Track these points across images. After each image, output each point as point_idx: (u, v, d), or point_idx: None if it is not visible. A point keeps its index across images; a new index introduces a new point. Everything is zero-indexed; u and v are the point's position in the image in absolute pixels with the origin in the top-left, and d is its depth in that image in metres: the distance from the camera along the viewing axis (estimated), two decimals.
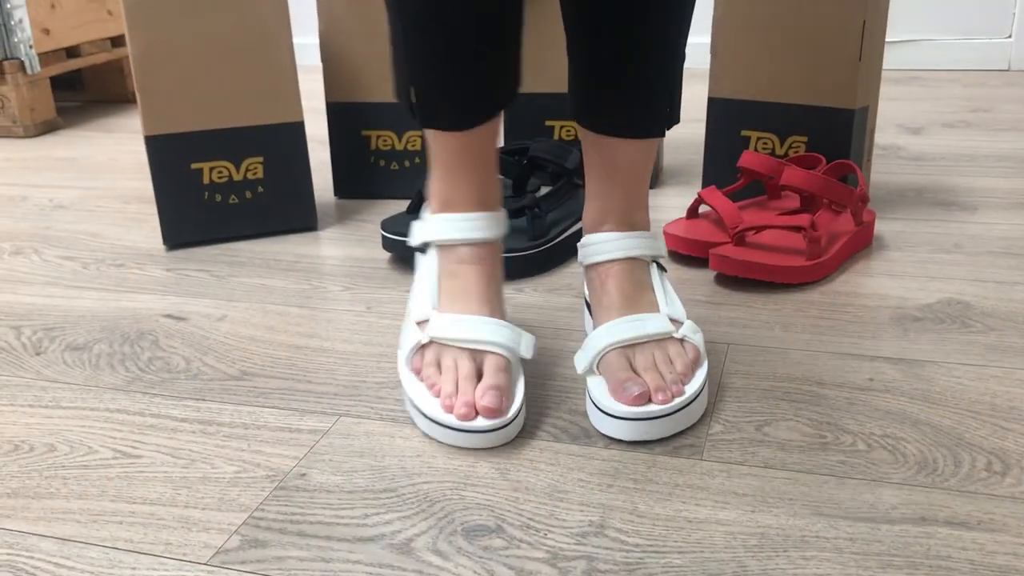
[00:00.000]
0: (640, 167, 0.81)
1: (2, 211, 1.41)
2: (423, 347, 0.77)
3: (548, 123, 1.30)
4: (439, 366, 0.77)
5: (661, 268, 0.83)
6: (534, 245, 1.03)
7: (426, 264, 0.82)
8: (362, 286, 1.06)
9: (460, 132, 0.77)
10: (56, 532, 0.66)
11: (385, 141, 1.31)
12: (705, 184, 1.23)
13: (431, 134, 0.79)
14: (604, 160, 0.81)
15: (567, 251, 1.09)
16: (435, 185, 0.82)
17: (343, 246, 1.19)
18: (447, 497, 0.68)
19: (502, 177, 1.12)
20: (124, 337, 0.96)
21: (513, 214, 1.05)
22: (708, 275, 1.03)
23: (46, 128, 1.90)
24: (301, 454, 0.74)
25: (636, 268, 0.81)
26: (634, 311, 0.78)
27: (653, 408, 0.71)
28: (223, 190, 1.18)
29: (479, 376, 0.75)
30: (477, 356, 0.76)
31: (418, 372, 0.77)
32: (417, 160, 1.31)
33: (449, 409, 0.73)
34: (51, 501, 0.70)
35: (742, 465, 0.70)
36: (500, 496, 0.67)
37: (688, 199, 1.27)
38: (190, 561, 0.62)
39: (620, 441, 0.73)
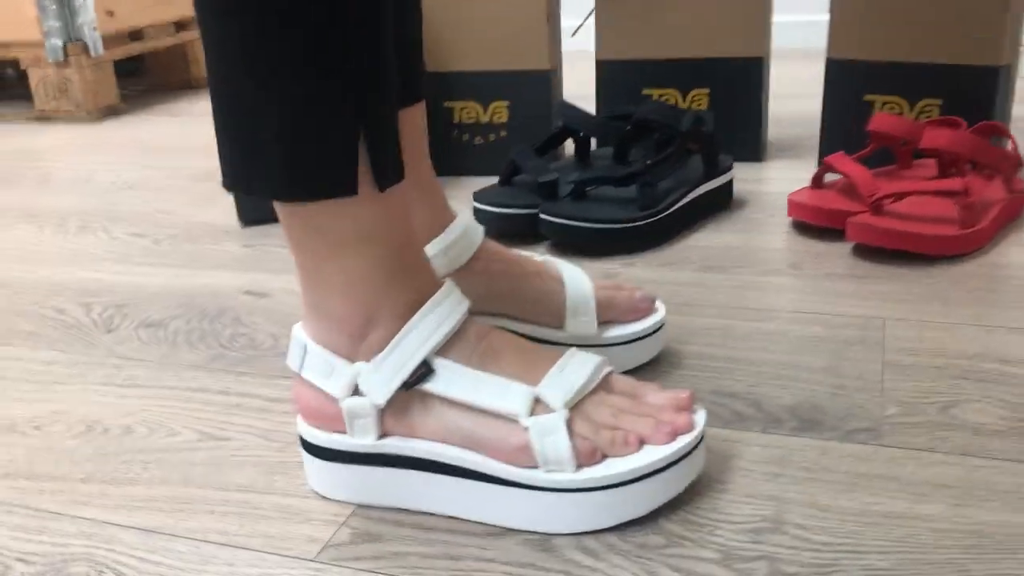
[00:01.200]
0: None
1: (67, 190, 1.34)
2: (570, 423, 0.54)
3: (646, 91, 1.21)
4: (593, 423, 0.55)
5: None
6: (645, 215, 0.93)
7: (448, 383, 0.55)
8: None
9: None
10: (138, 522, 0.58)
11: (469, 113, 1.22)
12: (822, 156, 1.12)
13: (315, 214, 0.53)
14: None
15: (682, 222, 0.99)
16: (340, 304, 0.55)
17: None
18: None
19: (596, 150, 1.02)
20: (203, 314, 0.88)
21: (620, 182, 0.95)
22: (843, 248, 0.92)
23: (109, 113, 1.84)
24: None
25: None
26: None
27: None
28: None
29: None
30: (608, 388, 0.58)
31: (591, 453, 0.53)
32: (503, 133, 1.22)
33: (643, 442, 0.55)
34: (131, 487, 0.61)
35: (933, 452, 0.59)
36: None
37: (799, 174, 1.16)
38: (295, 557, 0.53)
39: (777, 422, 0.63)
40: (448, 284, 0.57)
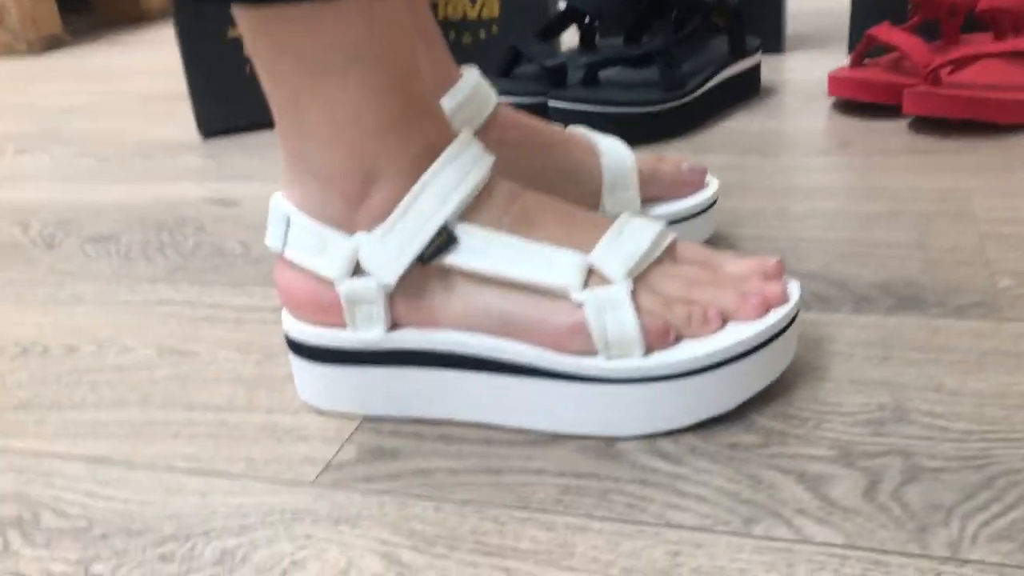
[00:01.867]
0: None
1: (3, 117, 1.19)
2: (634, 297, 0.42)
3: None
4: (663, 297, 0.43)
5: None
6: (670, 98, 0.81)
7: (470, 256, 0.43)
8: None
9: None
10: (85, 451, 0.45)
11: (455, 8, 1.08)
12: (853, 46, 1.00)
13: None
14: None
15: (709, 107, 0.86)
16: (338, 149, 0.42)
17: None
18: None
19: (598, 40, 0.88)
20: (160, 225, 0.75)
21: (638, 62, 0.83)
22: (898, 124, 0.80)
23: (51, 44, 1.67)
24: None
25: None
26: None
27: None
28: None
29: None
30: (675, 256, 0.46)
31: (663, 333, 0.41)
32: (494, 29, 1.09)
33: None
34: (75, 412, 0.49)
35: None
36: None
37: (826, 62, 1.04)
38: (287, 482, 0.41)
39: (872, 302, 0.51)
40: (466, 133, 0.45)
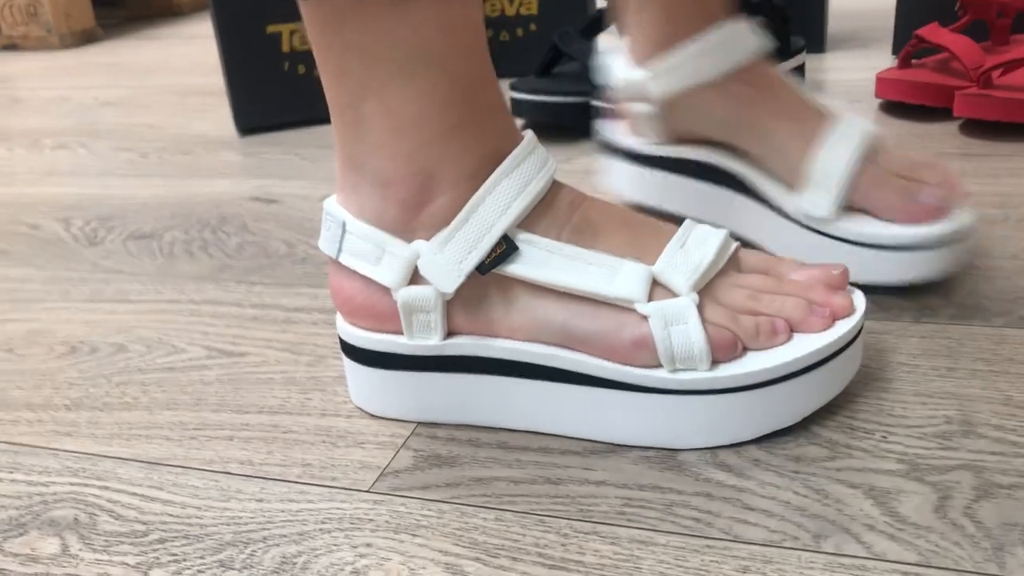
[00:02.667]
0: None
1: (40, 111, 1.20)
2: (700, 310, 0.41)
3: None
4: (729, 309, 0.43)
5: None
6: None
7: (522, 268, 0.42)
8: None
9: None
10: (139, 454, 0.45)
11: (494, 5, 1.08)
12: (897, 47, 0.99)
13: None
14: None
15: None
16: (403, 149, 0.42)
17: None
18: None
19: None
20: (203, 223, 0.75)
21: None
22: (948, 127, 0.79)
23: (84, 39, 1.68)
24: None
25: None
26: (829, 116, 0.55)
27: (965, 215, 0.51)
28: (307, 59, 0.96)
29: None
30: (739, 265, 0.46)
31: (730, 346, 0.41)
32: (532, 27, 1.08)
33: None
34: (127, 413, 0.49)
35: None
36: None
37: (869, 63, 1.03)
38: (344, 488, 0.41)
39: (934, 310, 0.50)
40: (529, 137, 0.44)
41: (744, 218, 0.58)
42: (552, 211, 0.43)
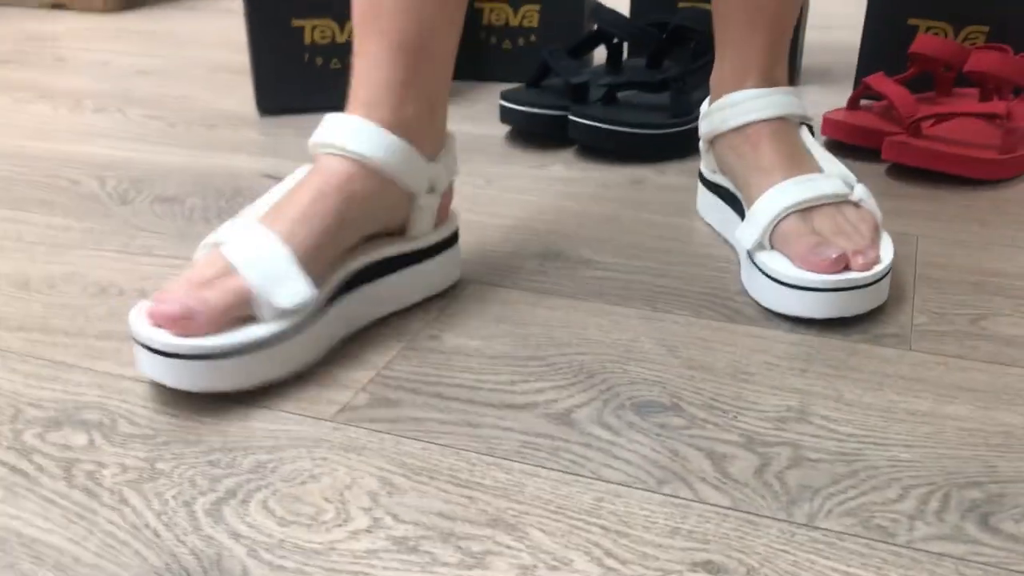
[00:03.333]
0: (790, 7, 0.71)
1: (82, 73, 1.32)
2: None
3: (682, 3, 1.17)
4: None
5: (811, 130, 0.73)
6: (677, 123, 0.91)
7: None
8: (479, 160, 0.95)
9: None
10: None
11: (498, 15, 1.19)
12: (858, 83, 1.10)
13: None
14: (747, 2, 0.70)
15: None
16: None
17: (452, 122, 1.08)
18: (607, 370, 0.57)
19: (629, 59, 0.99)
20: (219, 192, 0.86)
21: (653, 87, 0.93)
22: (878, 167, 0.90)
23: (127, 4, 1.80)
24: (431, 316, 0.64)
25: (790, 129, 0.71)
26: (799, 172, 0.67)
27: (854, 275, 0.60)
28: (325, 53, 1.07)
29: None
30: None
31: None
32: (532, 38, 1.19)
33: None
34: None
35: (962, 359, 0.58)
36: (671, 373, 0.57)
37: (834, 99, 1.13)
38: (312, 416, 0.53)
39: (807, 324, 0.62)
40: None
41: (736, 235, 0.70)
42: None
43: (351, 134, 0.59)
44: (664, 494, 0.46)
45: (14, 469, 0.49)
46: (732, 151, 0.71)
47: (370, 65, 0.60)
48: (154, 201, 0.84)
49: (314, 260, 0.56)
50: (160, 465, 0.49)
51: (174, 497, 0.46)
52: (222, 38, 1.54)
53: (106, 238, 0.77)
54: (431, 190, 0.63)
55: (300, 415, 0.53)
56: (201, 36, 1.56)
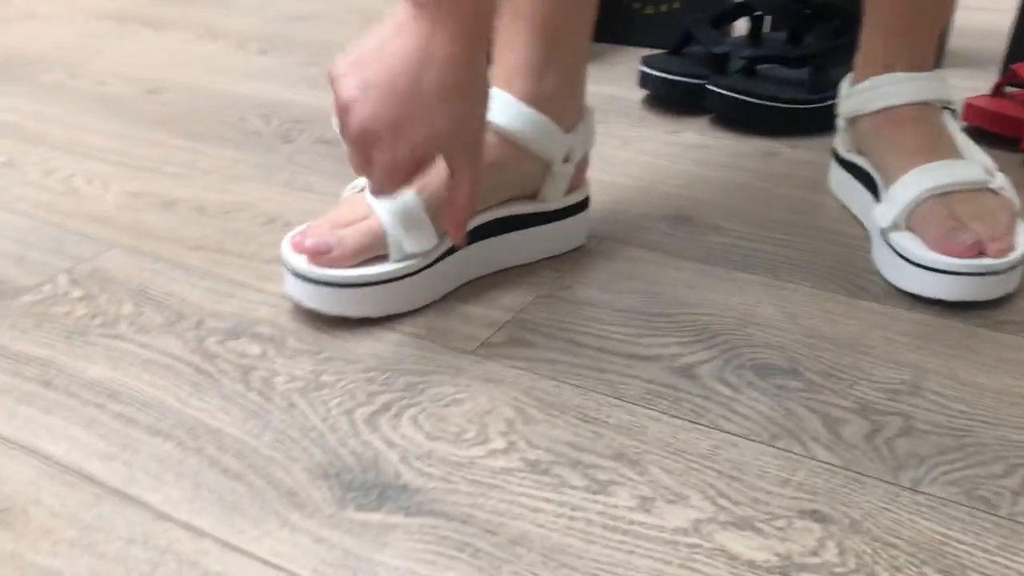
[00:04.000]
0: None
1: (247, 14, 1.40)
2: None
3: None
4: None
5: (953, 114, 0.74)
6: (814, 99, 0.93)
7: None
8: (616, 122, 0.98)
9: None
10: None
11: None
12: (1005, 69, 1.08)
13: None
14: None
15: None
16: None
17: (591, 83, 1.12)
18: (730, 330, 0.61)
19: (769, 32, 1.01)
20: None
21: (793, 63, 0.94)
22: (1018, 158, 0.89)
23: None
24: (564, 268, 0.68)
25: (934, 113, 0.72)
26: (940, 157, 0.68)
27: (988, 261, 0.62)
28: None
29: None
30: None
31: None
32: (675, 5, 1.21)
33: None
34: None
35: None
36: (791, 340, 0.60)
37: (978, 83, 1.12)
38: (456, 349, 0.58)
39: (932, 303, 0.64)
40: None
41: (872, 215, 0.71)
42: None
43: (495, 108, 0.63)
44: (777, 447, 0.50)
45: (199, 370, 0.56)
46: (874, 132, 0.72)
47: (511, 47, 0.64)
48: (314, 142, 0.91)
49: (439, 219, 0.61)
50: (324, 377, 0.55)
51: (337, 405, 0.53)
52: None
53: (273, 173, 0.84)
54: (566, 160, 0.67)
55: (446, 346, 0.58)
56: None
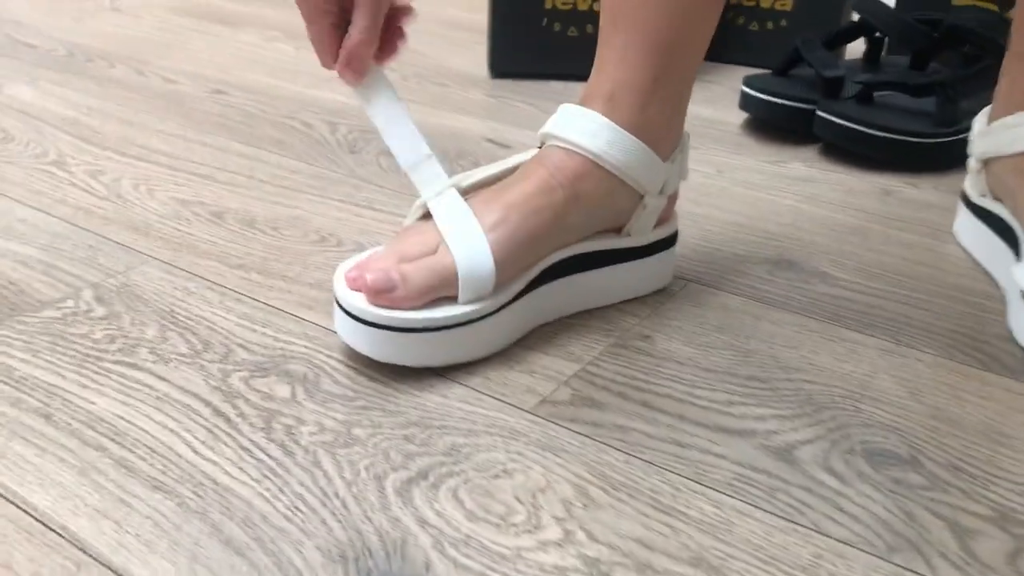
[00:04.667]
0: None
1: None
2: None
3: (957, 1, 1.06)
4: None
5: None
6: (941, 133, 0.82)
7: None
8: (711, 147, 0.89)
9: None
10: None
11: None
12: None
13: None
14: None
15: None
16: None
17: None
18: (838, 405, 0.51)
19: (891, 56, 0.90)
20: (443, 153, 0.85)
21: (916, 91, 0.84)
22: None
23: None
24: (644, 313, 0.60)
25: None
26: None
27: None
28: (565, 19, 1.04)
29: None
30: None
31: None
32: (783, 23, 1.11)
33: None
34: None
35: None
36: (912, 421, 0.50)
37: None
38: (512, 404, 0.50)
39: None
40: None
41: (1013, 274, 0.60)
42: None
43: (589, 132, 0.55)
44: (895, 563, 0.40)
45: (217, 411, 0.49)
46: (1017, 176, 0.62)
47: (617, 60, 0.56)
48: (380, 154, 0.84)
49: (520, 256, 0.54)
50: (356, 431, 0.48)
51: (366, 468, 0.45)
52: None
53: (332, 186, 0.77)
54: (660, 191, 0.58)
55: (500, 400, 0.50)
56: None
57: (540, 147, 0.58)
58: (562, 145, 0.56)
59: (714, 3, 0.56)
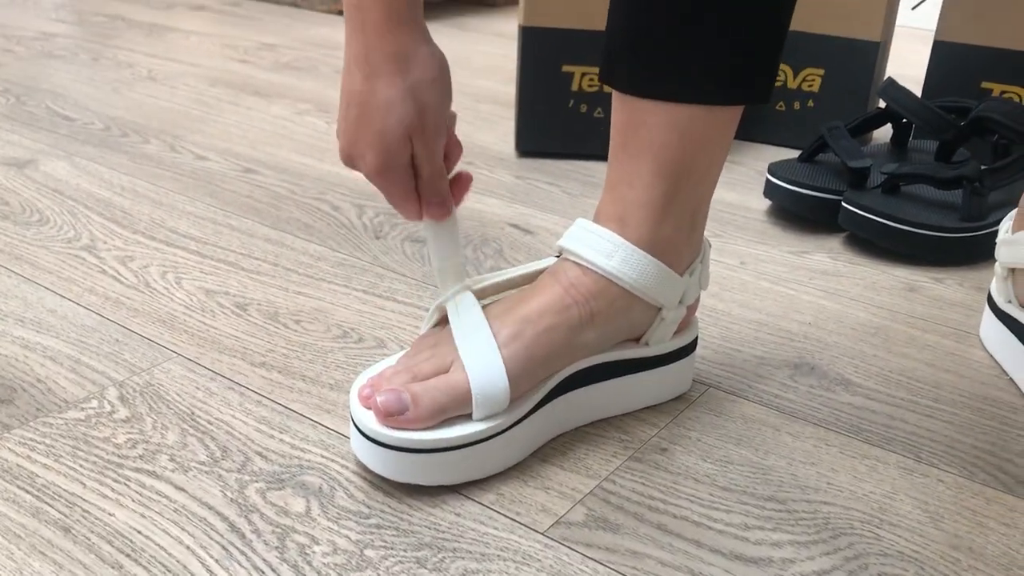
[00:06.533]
0: None
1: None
2: None
3: (985, 85, 1.05)
4: None
5: None
6: (967, 227, 0.81)
7: None
8: (734, 235, 0.89)
9: None
10: None
11: (778, 75, 1.12)
12: None
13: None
14: None
15: None
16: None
17: None
18: (855, 531, 0.50)
19: (916, 142, 0.90)
20: (467, 240, 0.86)
21: (944, 184, 0.83)
22: None
23: None
24: (662, 423, 0.59)
25: None
26: None
27: None
28: (591, 101, 1.05)
29: None
30: None
31: None
32: (810, 103, 1.11)
33: None
34: None
35: None
36: (931, 551, 0.49)
37: None
38: (525, 525, 0.50)
39: None
40: None
41: None
42: None
43: (604, 251, 0.55)
44: None
45: (233, 527, 0.49)
46: None
47: (628, 181, 0.56)
48: (405, 240, 0.85)
49: (534, 372, 0.54)
50: (369, 553, 0.48)
51: None
52: (490, 64, 1.56)
53: (356, 275, 0.78)
54: (679, 303, 0.58)
55: (513, 520, 0.50)
56: (471, 60, 1.59)
57: (558, 255, 0.59)
58: (577, 261, 0.56)
59: (724, 129, 0.56)
